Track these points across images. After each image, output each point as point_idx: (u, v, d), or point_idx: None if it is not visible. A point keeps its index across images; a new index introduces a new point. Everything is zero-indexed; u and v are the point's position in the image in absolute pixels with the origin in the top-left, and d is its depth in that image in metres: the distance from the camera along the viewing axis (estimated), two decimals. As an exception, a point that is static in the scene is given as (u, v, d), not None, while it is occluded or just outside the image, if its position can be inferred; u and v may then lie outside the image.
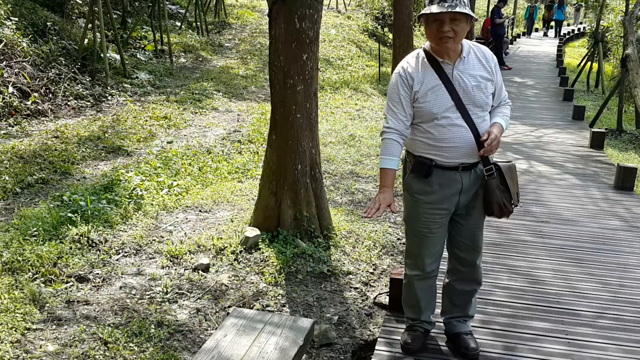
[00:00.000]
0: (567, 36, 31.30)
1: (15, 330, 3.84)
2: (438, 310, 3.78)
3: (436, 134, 3.21)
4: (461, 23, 3.08)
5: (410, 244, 3.54)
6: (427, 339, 3.71)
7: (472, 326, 3.77)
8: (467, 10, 3.05)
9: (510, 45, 25.50)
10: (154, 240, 5.27)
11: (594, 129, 10.03)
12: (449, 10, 3.00)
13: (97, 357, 3.68)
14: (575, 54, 25.48)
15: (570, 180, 7.57)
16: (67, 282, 4.51)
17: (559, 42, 25.54)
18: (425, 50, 3.26)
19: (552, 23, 32.23)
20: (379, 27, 21.39)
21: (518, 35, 31.22)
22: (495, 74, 3.27)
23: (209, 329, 4.10)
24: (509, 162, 3.42)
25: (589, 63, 16.72)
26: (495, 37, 18.99)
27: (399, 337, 3.71)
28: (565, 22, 34.41)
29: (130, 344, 3.81)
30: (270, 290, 4.59)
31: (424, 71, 3.21)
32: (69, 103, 9.76)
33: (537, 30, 33.71)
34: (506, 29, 23.09)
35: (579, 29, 35.00)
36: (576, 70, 17.88)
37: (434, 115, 3.18)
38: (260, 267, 4.88)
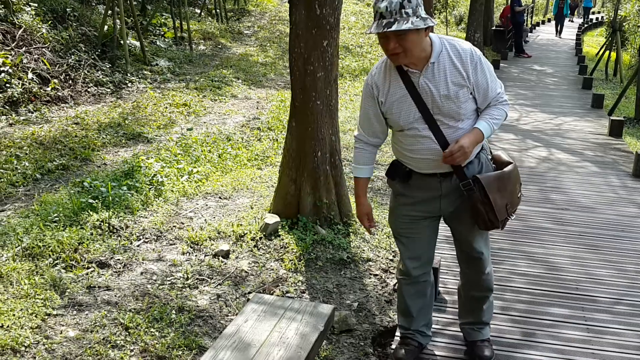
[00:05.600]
0: (585, 25, 30.93)
1: (36, 316, 3.88)
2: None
3: (406, 144, 3.04)
4: (409, 36, 2.73)
5: (397, 246, 3.40)
6: (421, 352, 3.53)
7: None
8: (408, 25, 2.67)
9: (529, 34, 25.29)
10: (175, 226, 5.30)
11: (612, 117, 9.93)
12: (385, 29, 2.70)
13: (118, 342, 3.72)
14: (593, 42, 25.21)
15: (589, 167, 7.52)
16: (88, 268, 4.56)
17: (578, 31, 25.33)
18: None
19: (579, 10, 31.51)
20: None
21: (537, 24, 30.89)
22: (474, 77, 2.92)
23: (229, 314, 4.13)
24: (502, 171, 3.07)
25: (607, 52, 16.53)
26: (514, 25, 18.83)
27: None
28: (593, 9, 33.51)
29: (152, 330, 3.85)
30: (290, 277, 4.61)
31: (390, 80, 2.98)
32: (88, 89, 9.83)
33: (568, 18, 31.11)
34: (525, 17, 22.88)
35: (596, 18, 34.67)
36: (595, 58, 17.70)
37: (401, 126, 3.00)
38: (280, 254, 4.90)
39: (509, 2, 19.52)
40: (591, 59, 18.66)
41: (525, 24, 21.88)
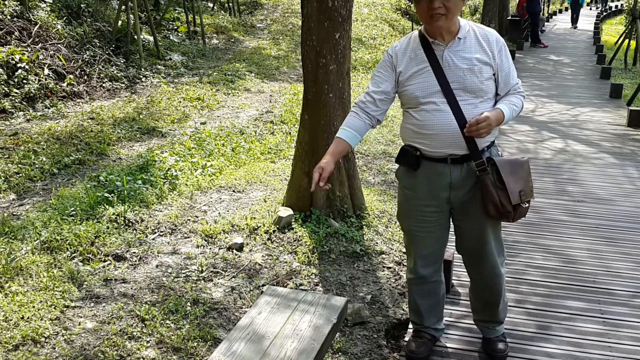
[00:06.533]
0: (604, 13, 30.60)
1: (55, 308, 3.93)
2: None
3: (421, 120, 2.98)
4: None
5: (405, 244, 3.38)
6: (434, 345, 3.53)
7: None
8: None
9: (546, 23, 25.04)
10: (189, 219, 5.33)
11: (631, 107, 9.83)
12: None
13: (134, 333, 3.75)
14: (612, 31, 24.87)
15: (607, 159, 7.45)
16: (104, 261, 4.60)
17: (596, 20, 25.01)
18: (420, 32, 3.02)
19: None
20: (412, 5, 21.16)
21: (554, 13, 30.63)
22: (499, 59, 2.97)
23: (243, 307, 4.15)
24: (517, 157, 3.10)
25: (626, 40, 16.33)
26: (530, 14, 18.66)
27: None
28: None
29: (167, 321, 3.88)
30: (304, 270, 4.62)
31: (413, 52, 3.00)
32: (103, 85, 9.89)
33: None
34: (542, 6, 22.66)
35: (615, 6, 34.30)
36: (613, 47, 17.49)
37: (418, 100, 2.97)
38: (293, 247, 4.91)
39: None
40: (610, 48, 18.43)
41: (541, 12, 21.66)
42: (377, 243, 5.09)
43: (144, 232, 5.07)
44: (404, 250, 5.04)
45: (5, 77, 8.46)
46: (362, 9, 19.09)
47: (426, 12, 2.84)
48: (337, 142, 3.11)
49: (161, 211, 5.47)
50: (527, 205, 3.07)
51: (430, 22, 2.87)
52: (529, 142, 8.19)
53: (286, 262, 4.72)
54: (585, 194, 6.15)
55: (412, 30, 15.50)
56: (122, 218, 5.17)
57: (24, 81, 8.63)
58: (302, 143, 5.34)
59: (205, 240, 4.99)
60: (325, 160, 3.03)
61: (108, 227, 5.01)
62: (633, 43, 16.51)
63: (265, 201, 5.70)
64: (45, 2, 10.45)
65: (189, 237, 5.05)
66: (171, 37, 13.09)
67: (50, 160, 6.71)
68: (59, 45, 9.81)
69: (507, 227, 5.10)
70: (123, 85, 10.14)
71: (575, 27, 24.58)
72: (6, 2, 9.66)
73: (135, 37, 11.21)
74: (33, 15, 9.94)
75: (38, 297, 3.99)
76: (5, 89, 8.37)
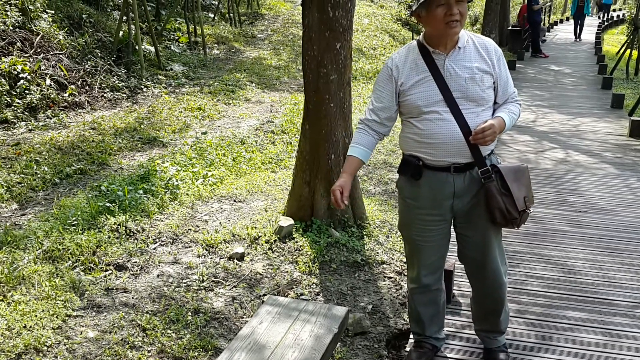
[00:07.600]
0: (606, 23, 30.66)
1: (57, 317, 3.93)
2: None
3: (423, 129, 2.98)
4: (464, 3, 2.86)
5: (406, 254, 3.38)
6: (435, 355, 3.53)
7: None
8: None
9: (547, 33, 25.05)
10: (190, 229, 5.33)
11: (633, 117, 9.82)
12: None
13: (136, 343, 3.75)
14: (614, 41, 24.90)
15: (608, 169, 7.45)
16: (106, 271, 4.61)
17: (598, 30, 25.02)
18: (418, 42, 3.04)
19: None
20: (412, 16, 21.19)
21: (555, 23, 30.69)
22: (498, 68, 3.00)
23: (244, 316, 4.15)
24: (518, 164, 3.14)
25: (628, 50, 16.33)
26: (531, 24, 18.68)
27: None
28: (612, 7, 33.04)
29: (168, 331, 3.88)
30: (305, 279, 4.62)
31: (413, 62, 3.01)
32: (105, 95, 9.92)
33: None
34: (543, 16, 22.66)
35: (617, 16, 34.36)
36: (615, 57, 17.49)
37: (421, 109, 2.97)
38: (294, 256, 4.91)
39: (526, 0, 19.25)
40: (611, 58, 18.43)
41: (542, 23, 21.65)
42: (378, 253, 5.09)
43: (145, 242, 5.07)
44: (405, 260, 5.05)
45: (8, 87, 8.49)
46: (363, 20, 19.15)
47: (442, 19, 2.86)
48: (350, 160, 3.16)
49: (162, 221, 5.48)
50: (530, 211, 3.10)
51: (446, 28, 2.88)
52: (530, 152, 8.19)
53: (287, 271, 4.72)
54: (586, 204, 6.15)
55: (413, 40, 15.57)
56: (124, 228, 5.18)
57: (26, 91, 8.66)
58: (303, 153, 5.35)
59: (206, 250, 5.00)
60: (344, 178, 3.09)
61: (109, 237, 5.02)
62: (635, 53, 16.51)
63: (266, 211, 5.71)
64: (47, 13, 10.49)
65: (190, 247, 5.05)
66: (172, 48, 13.15)
67: (52, 170, 6.72)
68: (61, 56, 9.84)
69: (507, 237, 5.10)
70: (124, 95, 10.17)
71: (577, 40, 23.34)
72: (8, 13, 9.71)
73: (137, 47, 11.25)
74: (35, 25, 9.98)
75: (40, 306, 4.00)
76: (8, 99, 8.40)
